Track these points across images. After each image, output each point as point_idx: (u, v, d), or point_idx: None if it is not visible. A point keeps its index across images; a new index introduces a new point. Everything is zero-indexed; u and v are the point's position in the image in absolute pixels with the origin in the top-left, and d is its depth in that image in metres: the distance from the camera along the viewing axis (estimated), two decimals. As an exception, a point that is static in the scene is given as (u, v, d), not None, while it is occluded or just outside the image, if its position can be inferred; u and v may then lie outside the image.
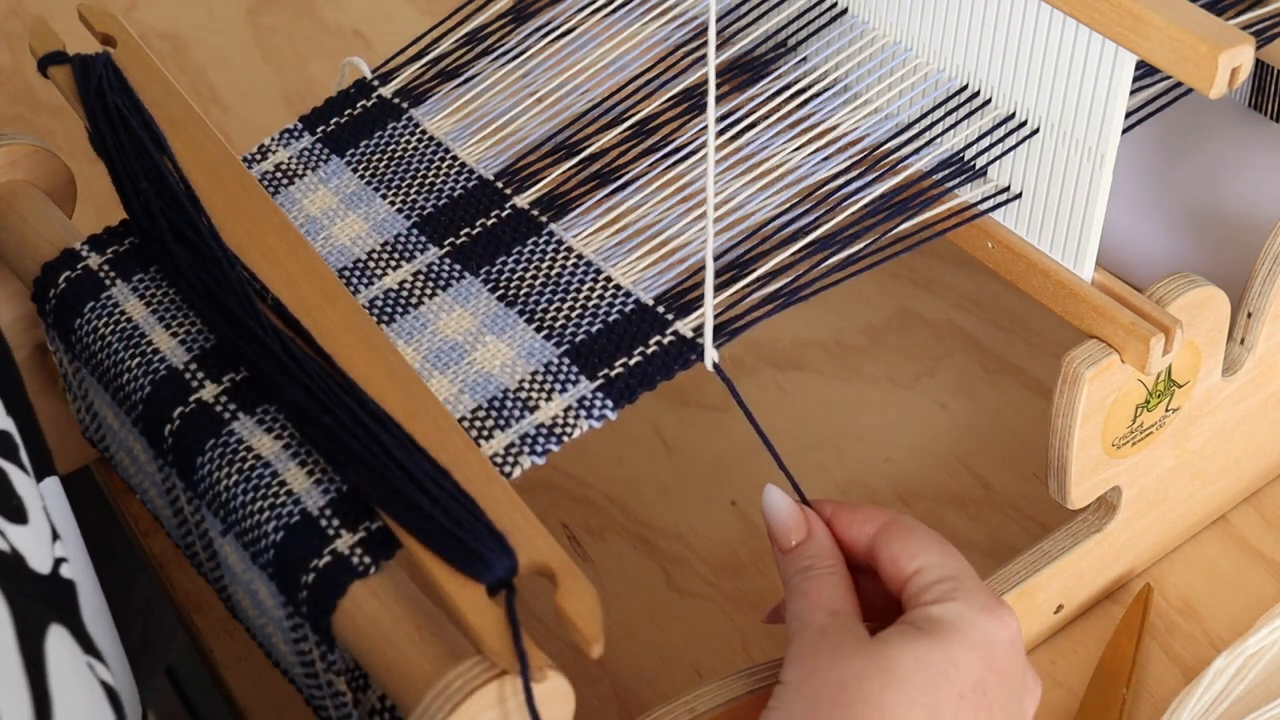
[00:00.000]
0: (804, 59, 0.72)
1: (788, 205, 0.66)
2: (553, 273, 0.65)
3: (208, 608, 0.76)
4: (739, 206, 0.66)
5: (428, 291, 0.65)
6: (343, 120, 0.72)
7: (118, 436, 0.66)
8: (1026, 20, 0.63)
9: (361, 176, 0.70)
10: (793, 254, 0.64)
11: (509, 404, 0.60)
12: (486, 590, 0.53)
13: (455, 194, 0.68)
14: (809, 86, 0.71)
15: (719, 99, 0.71)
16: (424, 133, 0.71)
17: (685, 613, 0.75)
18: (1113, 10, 0.59)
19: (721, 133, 0.69)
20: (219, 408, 0.61)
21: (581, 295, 0.64)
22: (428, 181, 0.69)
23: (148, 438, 0.62)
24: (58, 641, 0.47)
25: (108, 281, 0.65)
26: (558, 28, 0.73)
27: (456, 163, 0.70)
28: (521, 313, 0.63)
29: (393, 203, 0.68)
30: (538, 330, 0.63)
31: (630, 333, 0.62)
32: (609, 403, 0.60)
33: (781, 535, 0.61)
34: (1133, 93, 0.63)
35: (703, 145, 0.68)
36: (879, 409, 0.83)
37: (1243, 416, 0.73)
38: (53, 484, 0.61)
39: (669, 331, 0.62)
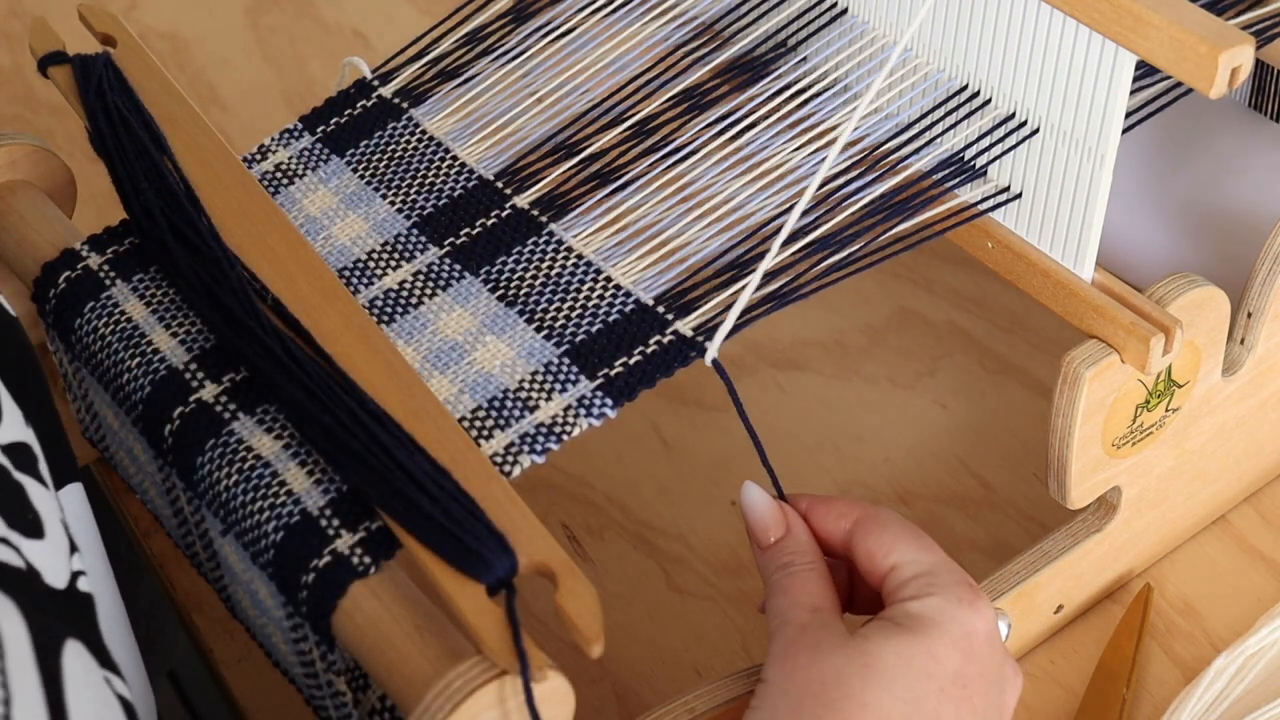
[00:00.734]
0: (804, 59, 0.72)
1: (788, 205, 0.66)
2: (553, 273, 0.65)
3: (208, 608, 0.76)
4: (739, 206, 0.66)
5: (428, 291, 0.65)
6: (343, 120, 0.72)
7: (118, 436, 0.66)
8: (1026, 20, 0.63)
9: (361, 176, 0.70)
10: (792, 254, 0.64)
11: (509, 404, 0.60)
12: (486, 590, 0.53)
13: (455, 194, 0.68)
14: (809, 86, 0.71)
15: (719, 99, 0.71)
16: (424, 133, 0.71)
17: (685, 613, 0.75)
18: (1113, 10, 0.59)
19: (721, 133, 0.69)
20: (219, 408, 0.61)
21: (581, 295, 0.64)
22: (428, 181, 0.69)
23: (148, 438, 0.62)
24: (74, 657, 0.47)
25: (108, 281, 0.65)
26: (558, 28, 0.73)
27: (456, 163, 0.70)
28: (521, 313, 0.63)
29: (393, 203, 0.68)
30: (538, 330, 0.63)
31: (630, 333, 0.62)
32: (609, 401, 0.60)
33: (760, 532, 0.62)
34: (1133, 93, 0.63)
35: (703, 145, 0.68)
36: (879, 409, 0.83)
37: (1243, 416, 0.73)
38: (74, 491, 0.61)
39: (669, 331, 0.62)
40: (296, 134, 0.72)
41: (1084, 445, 0.66)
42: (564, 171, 0.68)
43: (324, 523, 0.56)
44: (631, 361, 0.61)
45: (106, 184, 0.66)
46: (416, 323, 0.64)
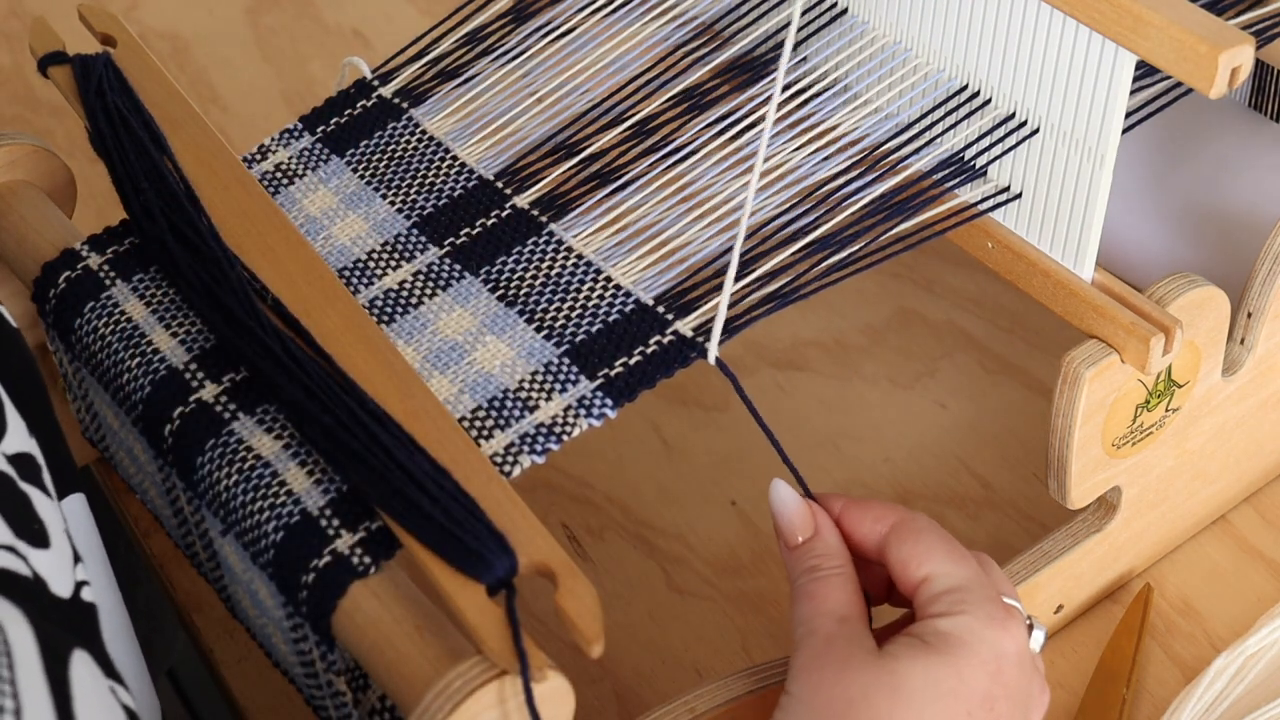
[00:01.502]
0: (804, 59, 0.72)
1: (788, 205, 0.66)
2: (553, 273, 0.65)
3: (208, 608, 0.76)
4: (739, 206, 0.66)
5: (428, 291, 0.65)
6: (343, 120, 0.72)
7: (118, 436, 0.66)
8: (1026, 20, 0.63)
9: (361, 176, 0.70)
10: (793, 254, 0.64)
11: (509, 404, 0.60)
12: (486, 590, 0.53)
13: (455, 194, 0.68)
14: (809, 86, 0.71)
15: (719, 99, 0.71)
16: (424, 133, 0.71)
17: (685, 613, 0.75)
18: (1113, 10, 0.59)
19: (721, 133, 0.69)
20: (219, 408, 0.61)
21: (581, 295, 0.64)
22: (428, 181, 0.69)
23: (148, 438, 0.62)
24: (81, 666, 0.47)
25: (108, 281, 0.65)
26: (558, 28, 0.73)
27: (456, 163, 0.70)
28: (521, 313, 0.63)
29: (393, 203, 0.68)
30: (538, 330, 0.63)
31: (630, 333, 0.62)
32: (609, 401, 0.60)
33: (788, 531, 0.60)
34: (1133, 93, 0.63)
35: (703, 145, 0.68)
36: (879, 409, 0.83)
37: (1243, 416, 0.73)
38: (76, 501, 0.61)
39: (669, 331, 0.62)
40: (296, 134, 0.72)
41: (1084, 445, 0.66)
42: (564, 171, 0.68)
43: (324, 523, 0.56)
44: (631, 362, 0.61)
45: (106, 184, 0.66)
46: (416, 323, 0.64)
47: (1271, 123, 0.80)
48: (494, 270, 0.65)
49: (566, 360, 0.61)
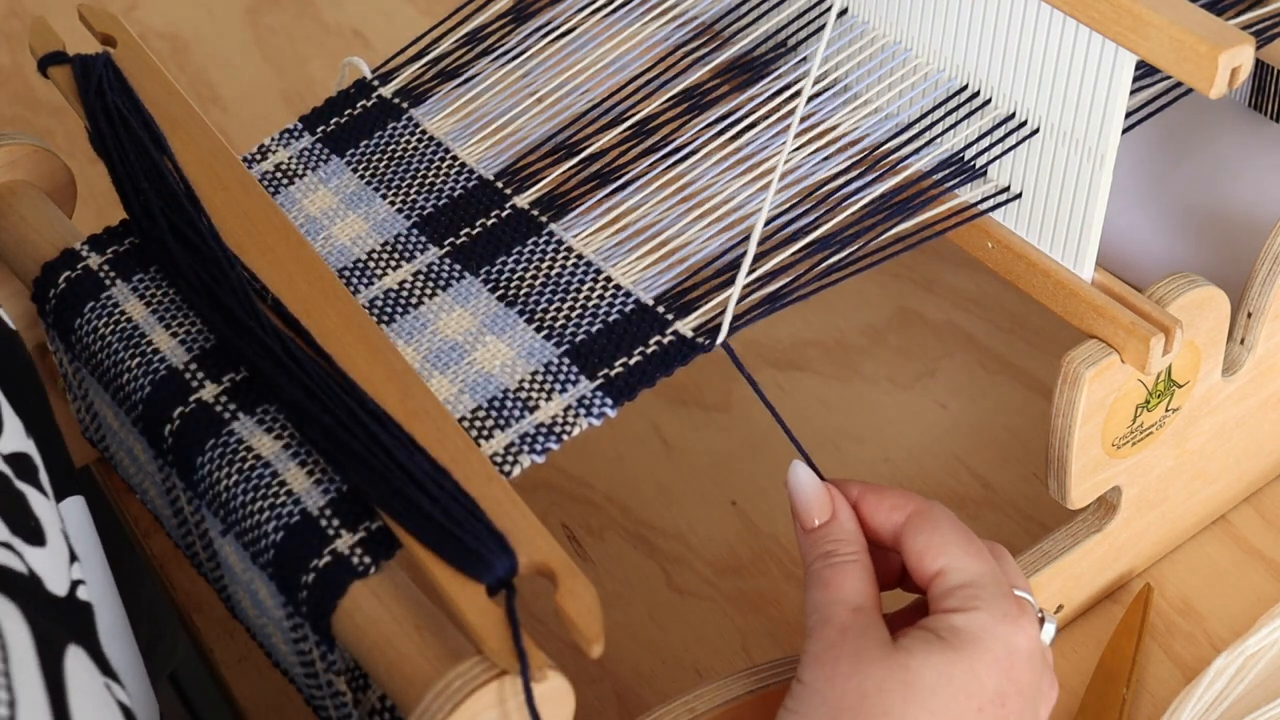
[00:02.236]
0: (804, 59, 0.72)
1: (788, 205, 0.66)
2: (553, 273, 0.65)
3: (208, 608, 0.76)
4: (739, 206, 0.66)
5: (428, 291, 0.65)
6: (343, 120, 0.72)
7: (118, 436, 0.66)
8: (1026, 20, 0.63)
9: (361, 176, 0.70)
10: (793, 254, 0.64)
11: (509, 404, 0.60)
12: (486, 590, 0.53)
13: (455, 194, 0.68)
14: (809, 86, 0.71)
15: (719, 99, 0.71)
16: (424, 133, 0.71)
17: (685, 613, 0.75)
18: (1113, 10, 0.59)
19: (721, 133, 0.69)
20: (219, 408, 0.61)
21: (581, 295, 0.64)
22: (428, 181, 0.69)
23: (148, 438, 0.62)
24: (76, 663, 0.47)
25: (108, 281, 0.65)
26: (558, 28, 0.73)
27: (456, 163, 0.70)
28: (521, 313, 0.63)
29: (393, 203, 0.68)
30: (538, 330, 0.63)
31: (630, 333, 0.62)
32: (609, 401, 0.60)
33: (804, 514, 0.60)
34: (1133, 93, 0.63)
35: (703, 145, 0.68)
36: (879, 409, 0.83)
37: (1243, 416, 0.73)
38: (75, 504, 0.61)
39: (669, 331, 0.62)
40: (296, 134, 0.72)
41: (1084, 445, 0.66)
42: (564, 171, 0.68)
43: (324, 523, 0.56)
44: (632, 362, 0.61)
45: (106, 184, 0.66)
46: (416, 323, 0.64)
47: (1271, 123, 0.80)
48: (494, 270, 0.65)
49: (566, 360, 0.61)
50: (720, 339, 0.61)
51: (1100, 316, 0.64)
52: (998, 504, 0.79)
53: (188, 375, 0.62)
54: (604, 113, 0.71)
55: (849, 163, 0.68)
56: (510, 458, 0.59)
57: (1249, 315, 0.70)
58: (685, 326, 0.62)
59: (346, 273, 0.66)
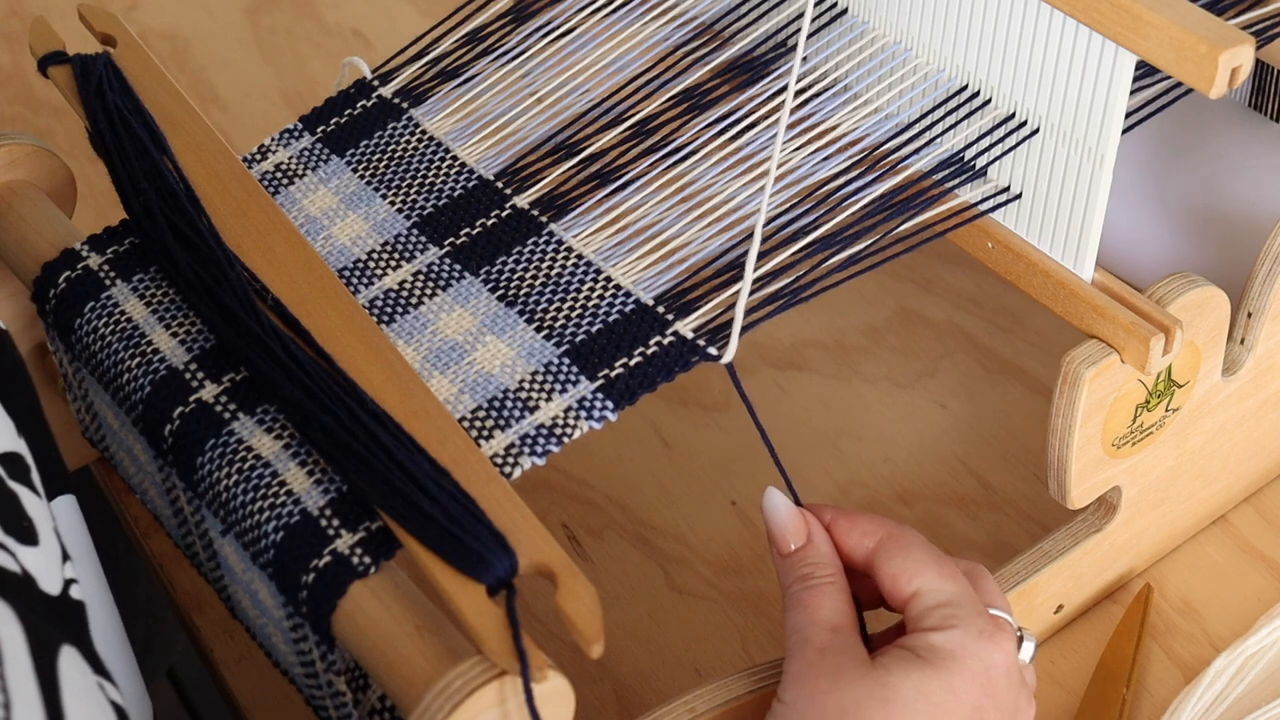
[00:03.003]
0: (804, 59, 0.72)
1: (788, 205, 0.66)
2: (553, 273, 0.65)
3: (208, 608, 0.76)
4: (739, 206, 0.66)
5: (428, 291, 0.65)
6: (343, 120, 0.72)
7: (118, 436, 0.66)
8: (1026, 20, 0.63)
9: (361, 176, 0.70)
10: (793, 254, 0.64)
11: (509, 404, 0.60)
12: (486, 590, 0.53)
13: (455, 194, 0.68)
14: (809, 86, 0.71)
15: (719, 99, 0.71)
16: (424, 133, 0.71)
17: (685, 613, 0.75)
18: (1113, 10, 0.59)
19: (721, 133, 0.69)
20: (219, 408, 0.61)
21: (581, 295, 0.64)
22: (428, 181, 0.69)
23: (148, 438, 0.62)
24: (69, 662, 0.47)
25: (108, 281, 0.65)
26: (558, 28, 0.73)
27: (456, 163, 0.70)
28: (521, 313, 0.63)
29: (393, 203, 0.68)
30: (538, 330, 0.63)
31: (630, 333, 0.62)
32: (609, 404, 0.60)
33: (780, 539, 0.61)
34: (1133, 93, 0.63)
35: (703, 145, 0.68)
36: (879, 409, 0.83)
37: (1243, 416, 0.73)
38: (66, 503, 0.61)
39: (669, 332, 0.62)
40: (296, 134, 0.72)
41: (1084, 445, 0.66)
42: (564, 171, 0.68)
43: (324, 523, 0.56)
44: (632, 363, 0.61)
45: (106, 184, 0.66)
46: (416, 323, 0.64)
47: (1271, 123, 0.80)
48: (494, 270, 0.65)
49: (566, 360, 0.61)
50: (728, 357, 0.61)
51: (1100, 316, 0.64)
52: (998, 504, 0.79)
53: (188, 375, 0.62)
54: (604, 113, 0.71)
55: (849, 163, 0.68)
56: (510, 459, 0.59)
57: (1249, 315, 0.70)
58: (685, 327, 0.62)
59: (346, 273, 0.66)
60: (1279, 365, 0.72)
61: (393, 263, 0.66)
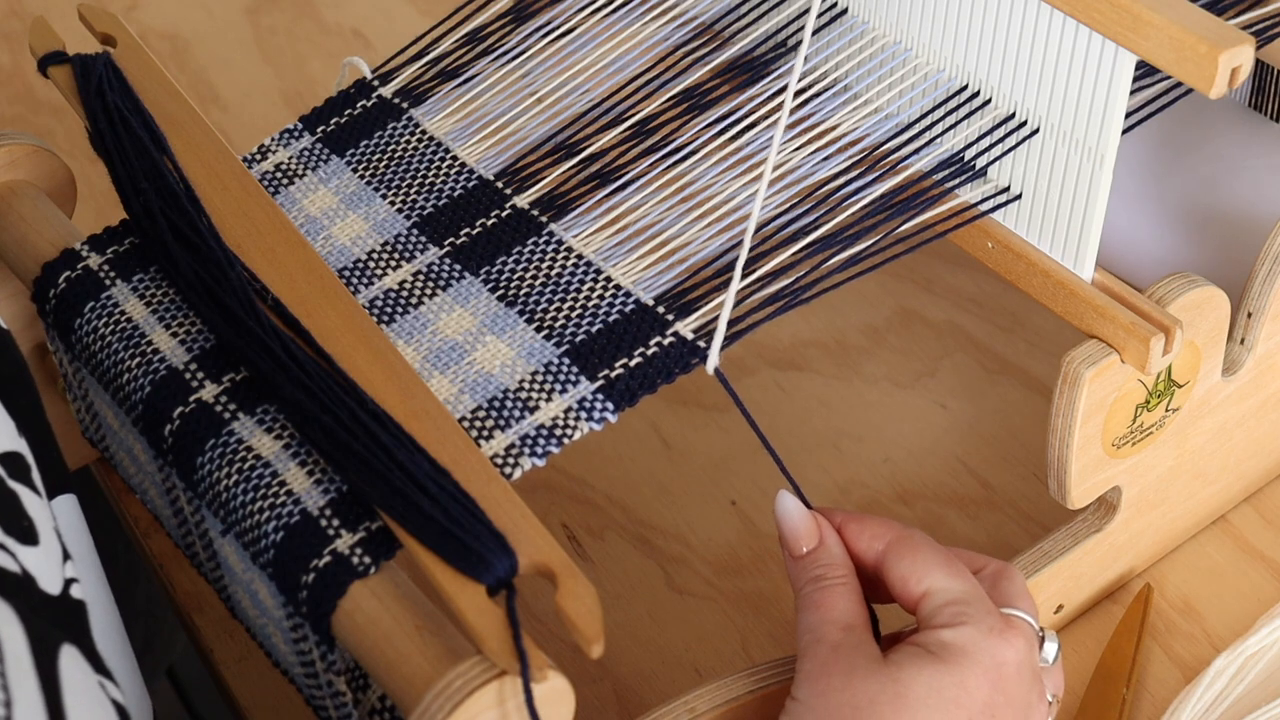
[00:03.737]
0: (804, 59, 0.72)
1: (788, 205, 0.66)
2: (553, 273, 0.65)
3: (208, 608, 0.76)
4: (739, 206, 0.66)
5: (428, 291, 0.65)
6: (343, 120, 0.72)
7: (118, 436, 0.66)
8: (1026, 20, 0.63)
9: (361, 176, 0.70)
10: (793, 254, 0.64)
11: (509, 404, 0.60)
12: (486, 590, 0.53)
13: (455, 194, 0.68)
14: (809, 86, 0.71)
15: (719, 99, 0.71)
16: (424, 133, 0.71)
17: (685, 613, 0.75)
18: (1113, 10, 0.59)
19: (721, 133, 0.69)
20: (219, 408, 0.61)
21: (581, 295, 0.64)
22: (428, 181, 0.69)
23: (148, 438, 0.62)
24: (70, 661, 0.47)
25: (108, 281, 0.65)
26: (558, 28, 0.73)
27: (456, 163, 0.70)
28: (521, 313, 0.63)
29: (393, 203, 0.68)
30: (538, 330, 0.63)
31: (630, 333, 0.62)
32: (609, 405, 0.60)
33: (793, 541, 0.62)
34: (1133, 93, 0.63)
35: (703, 145, 0.68)
36: (879, 409, 0.83)
37: (1243, 416, 0.73)
38: (66, 502, 0.61)
39: (669, 332, 0.62)
40: (296, 134, 0.72)
41: (1084, 445, 0.66)
42: (564, 171, 0.68)
43: (324, 523, 0.56)
44: (632, 363, 0.61)
45: (106, 184, 0.66)
46: (416, 323, 0.64)
47: (1271, 123, 0.80)
48: (494, 270, 0.65)
49: (566, 360, 0.61)
50: (710, 366, 0.61)
51: (1100, 316, 0.64)
52: (998, 504, 0.79)
53: (188, 375, 0.62)
54: (604, 113, 0.71)
55: (849, 163, 0.68)
56: (510, 459, 0.59)
57: (1249, 315, 0.70)
58: (685, 327, 0.62)
59: (346, 273, 0.66)
60: (1279, 365, 0.72)
61: (393, 263, 0.66)
